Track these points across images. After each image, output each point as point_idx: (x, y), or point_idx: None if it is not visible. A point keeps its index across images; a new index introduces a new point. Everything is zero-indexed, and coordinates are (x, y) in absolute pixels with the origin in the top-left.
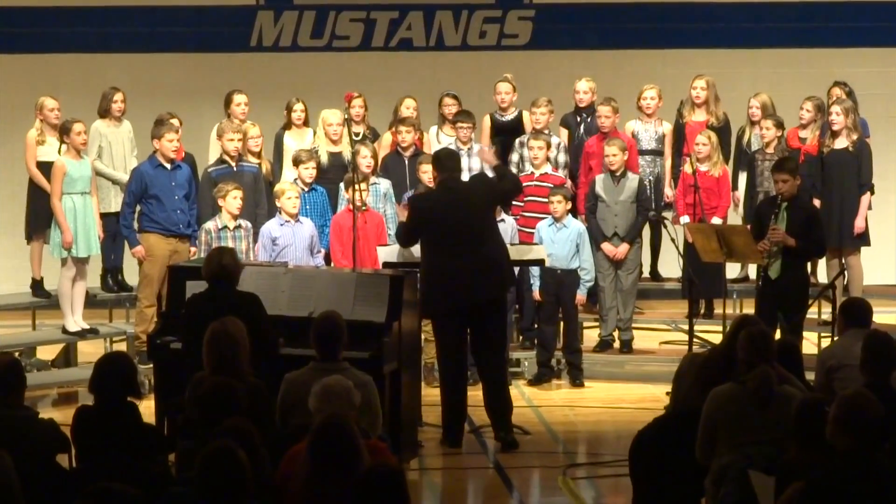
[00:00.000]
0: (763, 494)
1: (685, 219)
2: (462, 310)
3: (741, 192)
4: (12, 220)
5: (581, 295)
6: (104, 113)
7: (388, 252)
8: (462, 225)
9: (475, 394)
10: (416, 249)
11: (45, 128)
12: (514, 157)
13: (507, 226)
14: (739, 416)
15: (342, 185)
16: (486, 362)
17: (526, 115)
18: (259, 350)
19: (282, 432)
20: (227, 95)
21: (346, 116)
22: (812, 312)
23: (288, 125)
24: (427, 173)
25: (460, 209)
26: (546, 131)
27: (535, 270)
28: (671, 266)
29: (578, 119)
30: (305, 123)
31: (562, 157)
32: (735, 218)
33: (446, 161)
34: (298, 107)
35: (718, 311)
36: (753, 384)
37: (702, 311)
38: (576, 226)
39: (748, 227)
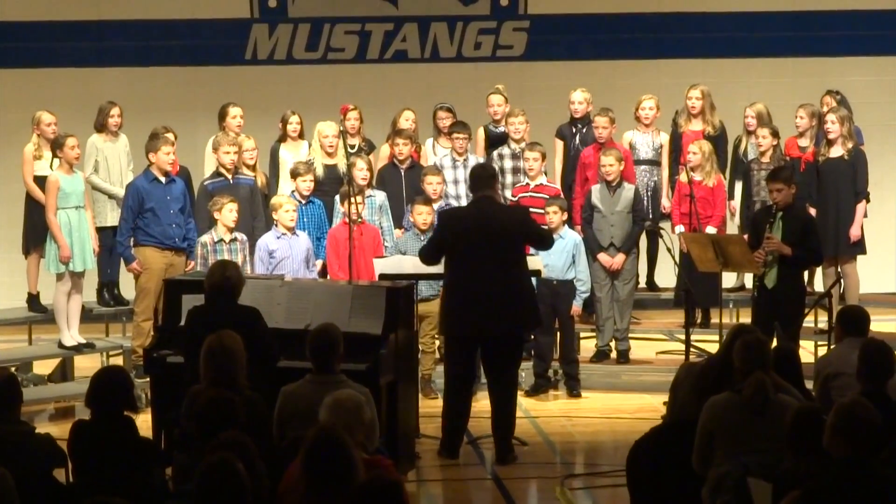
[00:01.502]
0: (761, 501)
1: (680, 228)
2: (475, 337)
3: (737, 201)
4: (8, 236)
5: (577, 306)
6: (101, 127)
7: (385, 264)
8: (488, 247)
9: (477, 403)
10: (415, 264)
11: (42, 142)
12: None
13: None
14: (736, 424)
15: (338, 197)
16: (496, 381)
17: None
18: (257, 363)
19: (278, 445)
20: (222, 108)
21: (342, 129)
22: (808, 321)
23: (283, 138)
24: (432, 185)
25: (489, 231)
26: (523, 142)
27: None
28: (667, 276)
29: (574, 130)
30: (300, 136)
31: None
32: (732, 227)
33: (482, 175)
34: (294, 119)
35: (715, 320)
36: (749, 392)
37: (698, 320)
38: (572, 237)
39: (744, 236)
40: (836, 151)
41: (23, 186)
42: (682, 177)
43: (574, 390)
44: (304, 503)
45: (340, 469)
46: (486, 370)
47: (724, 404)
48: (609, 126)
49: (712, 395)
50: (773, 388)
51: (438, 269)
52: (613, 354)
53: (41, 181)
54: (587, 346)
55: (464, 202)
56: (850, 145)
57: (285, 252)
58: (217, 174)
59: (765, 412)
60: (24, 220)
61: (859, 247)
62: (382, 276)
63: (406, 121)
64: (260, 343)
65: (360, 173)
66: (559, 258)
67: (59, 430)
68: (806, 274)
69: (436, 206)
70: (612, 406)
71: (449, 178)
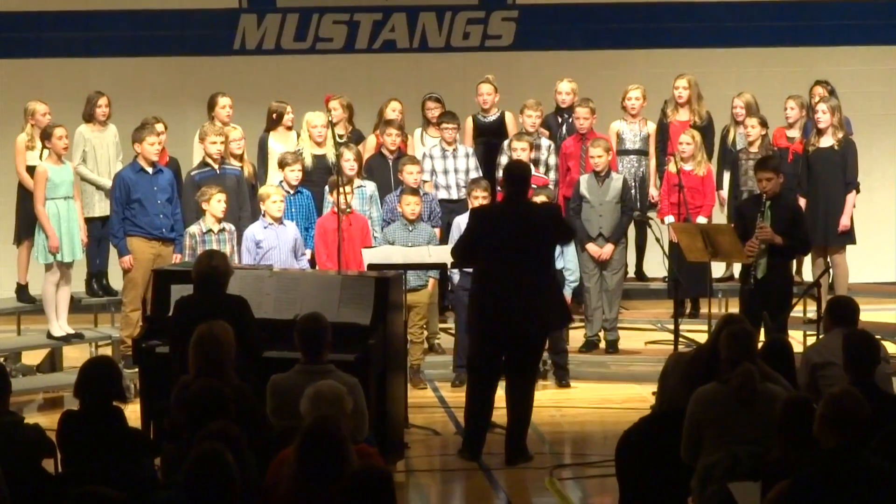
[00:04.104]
0: (746, 501)
1: (670, 218)
2: (503, 337)
3: (725, 191)
4: None
5: (566, 295)
6: (89, 117)
7: (373, 254)
8: (517, 247)
9: None
10: (404, 254)
11: (36, 132)
12: (503, 159)
13: None
14: (724, 415)
15: (327, 187)
16: (514, 384)
17: (508, 116)
18: (244, 353)
19: (267, 435)
20: (211, 98)
21: (330, 119)
22: (797, 311)
23: (272, 127)
24: (412, 174)
25: (520, 230)
26: (536, 133)
27: None
28: (656, 266)
29: (560, 119)
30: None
31: (553, 160)
32: (720, 217)
33: (517, 173)
34: (289, 108)
35: (704, 310)
36: (736, 383)
37: (687, 310)
38: None
39: (733, 226)
40: (827, 141)
41: (14, 177)
42: (671, 167)
43: (563, 380)
44: (294, 493)
45: (335, 460)
46: (508, 370)
47: (712, 395)
48: (590, 117)
49: (701, 385)
50: (760, 378)
51: (426, 259)
52: (602, 344)
53: (34, 171)
54: (576, 337)
55: (453, 192)
56: (840, 135)
57: (272, 242)
58: (204, 164)
59: (752, 402)
60: (16, 211)
61: (848, 237)
62: (371, 266)
63: (393, 111)
64: (246, 333)
65: (347, 164)
66: None
67: (48, 421)
68: (795, 263)
69: (423, 196)
70: (601, 396)
71: (439, 168)
